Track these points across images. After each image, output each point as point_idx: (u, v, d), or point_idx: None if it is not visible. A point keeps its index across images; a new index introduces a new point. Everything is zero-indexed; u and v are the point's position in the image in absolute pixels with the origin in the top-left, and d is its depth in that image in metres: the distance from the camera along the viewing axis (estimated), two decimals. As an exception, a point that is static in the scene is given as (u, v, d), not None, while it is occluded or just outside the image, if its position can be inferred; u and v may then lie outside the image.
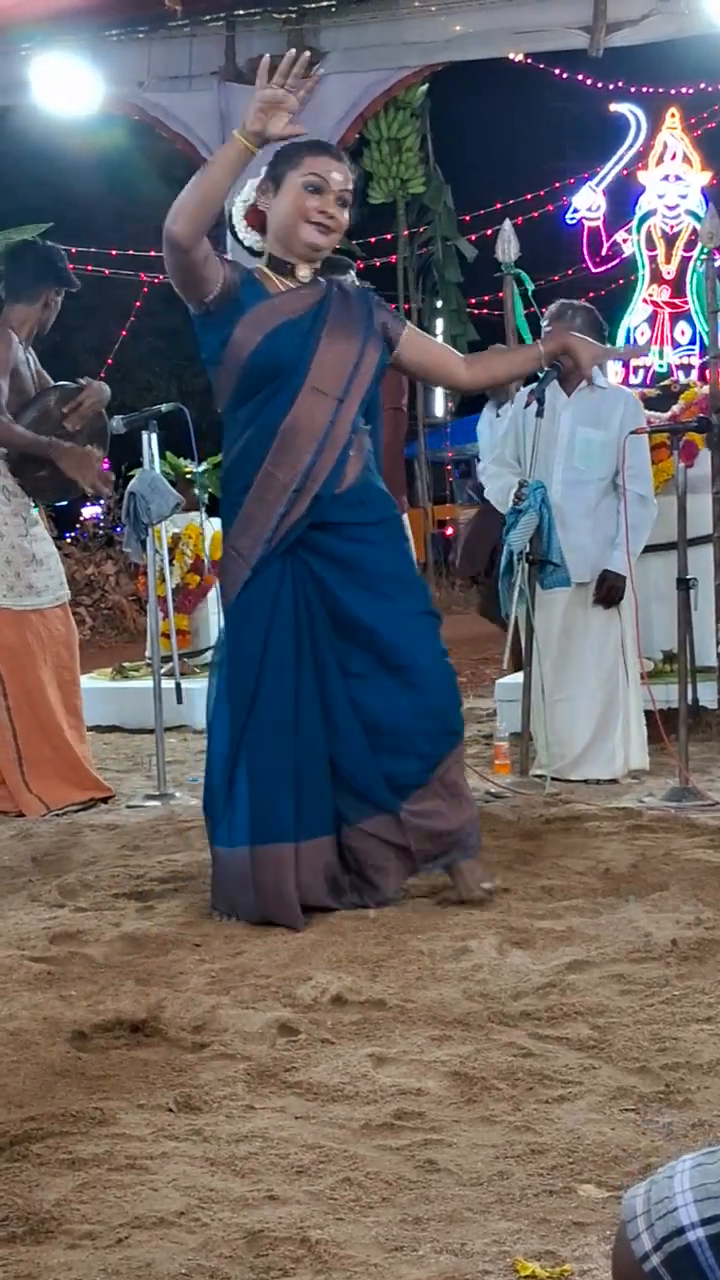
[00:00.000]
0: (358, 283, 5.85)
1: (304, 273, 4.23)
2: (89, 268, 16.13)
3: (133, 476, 6.13)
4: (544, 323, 6.23)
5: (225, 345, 4.15)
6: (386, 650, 4.17)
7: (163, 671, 6.30)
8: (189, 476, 8.46)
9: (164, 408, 6.24)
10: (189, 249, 4.00)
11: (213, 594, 8.06)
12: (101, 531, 16.90)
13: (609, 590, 6.03)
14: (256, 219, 4.26)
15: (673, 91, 11.71)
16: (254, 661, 4.14)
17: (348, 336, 4.22)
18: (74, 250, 10.43)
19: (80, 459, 5.83)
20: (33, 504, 5.94)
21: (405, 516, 6.27)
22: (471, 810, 4.28)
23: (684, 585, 5.82)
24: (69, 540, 16.24)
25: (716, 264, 6.83)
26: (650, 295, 9.21)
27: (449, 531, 21.81)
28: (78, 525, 16.98)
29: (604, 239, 9.55)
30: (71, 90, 8.71)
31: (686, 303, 9.17)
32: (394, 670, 4.17)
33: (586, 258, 9.67)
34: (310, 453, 4.14)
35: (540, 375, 5.79)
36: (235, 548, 4.20)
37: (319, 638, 4.17)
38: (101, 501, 16.35)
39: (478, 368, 4.54)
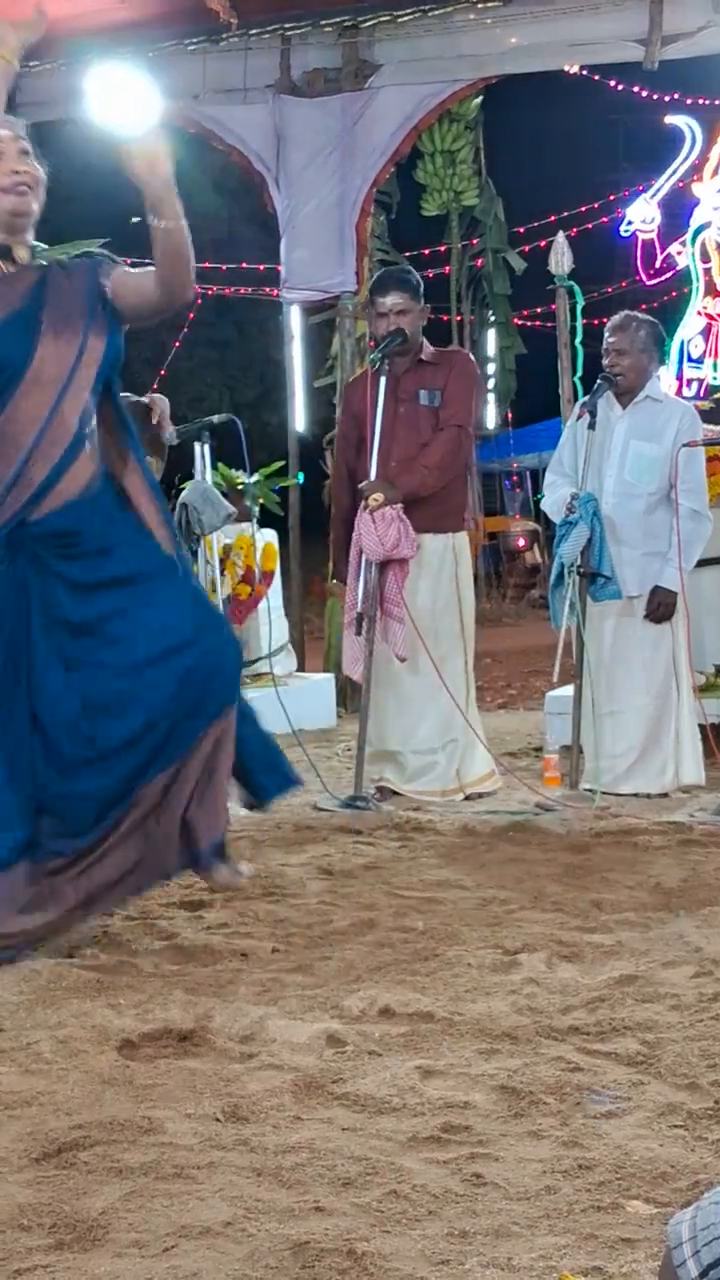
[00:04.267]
0: None
1: (22, 253, 4.02)
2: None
3: (185, 487, 6.15)
4: (607, 334, 6.19)
5: None
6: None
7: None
8: (241, 487, 8.48)
9: (216, 419, 6.26)
10: None
11: (264, 605, 8.07)
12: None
13: (660, 606, 6.00)
14: None
15: (728, 104, 11.69)
16: None
17: (70, 325, 3.96)
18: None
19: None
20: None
21: (465, 534, 6.30)
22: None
23: (736, 599, 5.79)
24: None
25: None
26: (704, 308, 9.16)
27: (521, 543, 21.77)
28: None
29: (658, 251, 9.51)
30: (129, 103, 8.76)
31: (741, 315, 9.12)
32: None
33: (640, 270, 9.64)
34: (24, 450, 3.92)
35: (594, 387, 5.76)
36: None
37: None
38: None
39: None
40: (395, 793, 6.08)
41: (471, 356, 6.59)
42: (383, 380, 5.86)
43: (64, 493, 3.96)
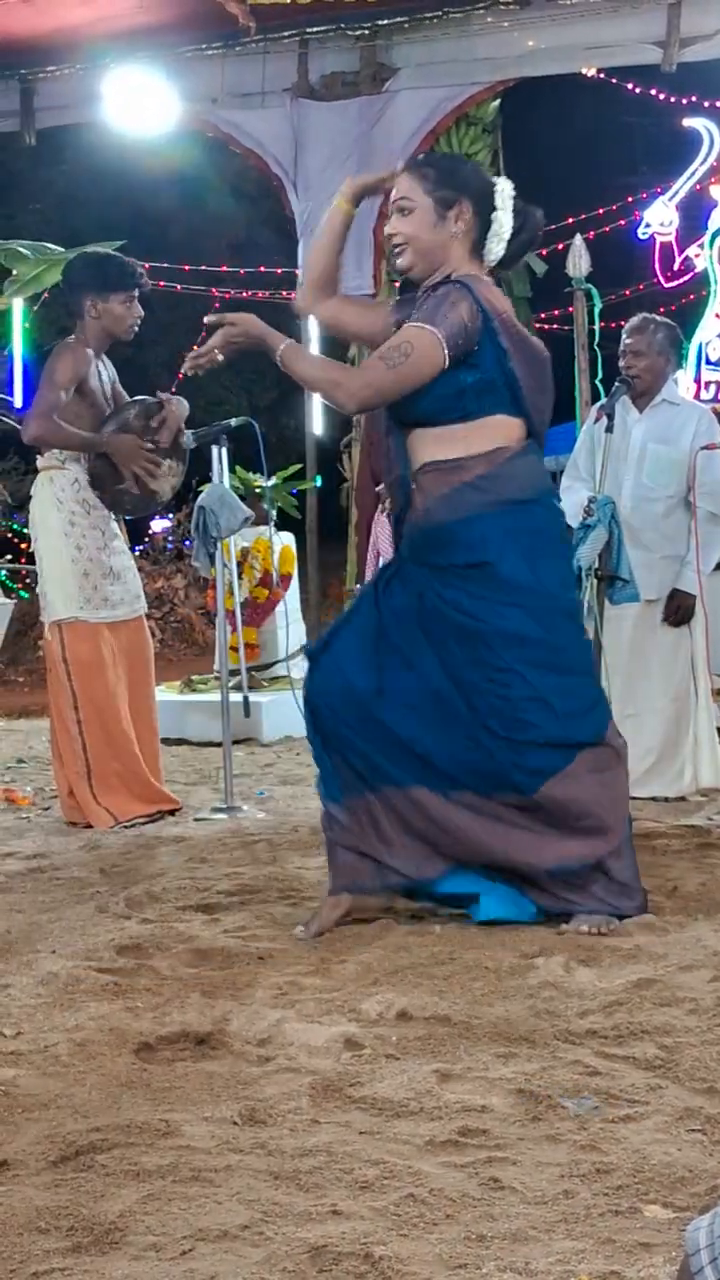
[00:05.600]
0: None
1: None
2: (161, 283, 16.21)
3: (202, 490, 6.16)
4: (624, 336, 6.19)
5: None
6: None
7: (230, 685, 6.32)
8: (258, 491, 8.49)
9: (234, 422, 6.27)
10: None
11: (281, 608, 8.07)
12: (171, 545, 17.00)
13: (678, 609, 5.99)
14: None
15: (746, 106, 11.67)
16: None
17: None
18: (147, 265, 10.50)
19: (130, 449, 5.83)
20: (112, 517, 5.98)
21: None
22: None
23: (755, 602, 5.79)
24: (139, 553, 16.35)
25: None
26: (722, 311, 9.17)
27: None
28: (147, 539, 17.08)
29: (676, 254, 9.51)
30: (147, 107, 8.78)
31: (759, 318, 9.11)
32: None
33: (658, 272, 9.65)
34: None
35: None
36: None
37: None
38: (171, 515, 16.45)
39: None
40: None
41: None
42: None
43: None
